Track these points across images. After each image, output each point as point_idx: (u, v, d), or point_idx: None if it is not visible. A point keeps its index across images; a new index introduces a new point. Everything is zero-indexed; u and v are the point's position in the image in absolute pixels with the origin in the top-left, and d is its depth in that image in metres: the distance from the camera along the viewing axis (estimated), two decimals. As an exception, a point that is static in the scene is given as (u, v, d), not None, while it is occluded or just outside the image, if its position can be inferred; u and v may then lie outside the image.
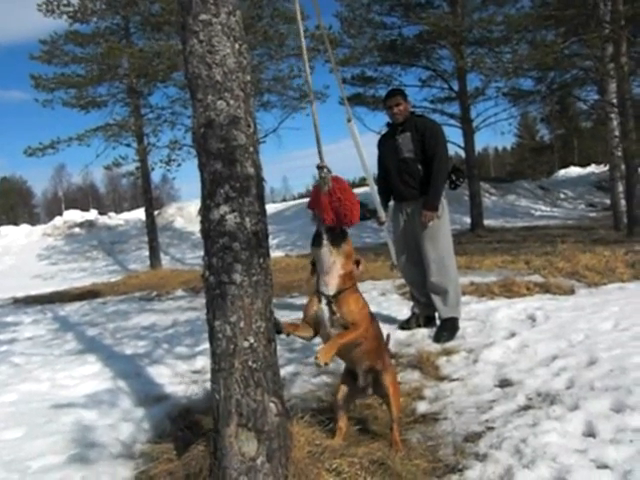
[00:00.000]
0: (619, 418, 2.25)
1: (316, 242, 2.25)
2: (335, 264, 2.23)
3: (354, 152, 3.44)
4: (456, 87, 15.46)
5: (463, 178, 4.21)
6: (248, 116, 1.96)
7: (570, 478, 1.85)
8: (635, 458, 1.91)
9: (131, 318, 6.02)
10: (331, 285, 2.23)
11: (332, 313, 2.21)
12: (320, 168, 2.26)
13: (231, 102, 1.91)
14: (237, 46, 1.96)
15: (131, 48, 11.72)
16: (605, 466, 1.92)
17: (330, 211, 2.24)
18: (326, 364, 2.05)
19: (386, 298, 5.50)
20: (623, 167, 11.00)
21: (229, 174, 1.89)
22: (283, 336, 4.51)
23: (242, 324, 1.90)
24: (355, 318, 2.21)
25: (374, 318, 2.42)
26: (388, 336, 2.80)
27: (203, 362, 3.69)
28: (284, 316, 4.98)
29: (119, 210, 34.49)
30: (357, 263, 2.31)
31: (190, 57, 1.95)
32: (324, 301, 2.23)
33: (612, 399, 2.42)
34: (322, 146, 2.34)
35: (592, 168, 28.09)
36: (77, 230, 19.42)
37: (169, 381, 3.43)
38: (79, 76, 12.20)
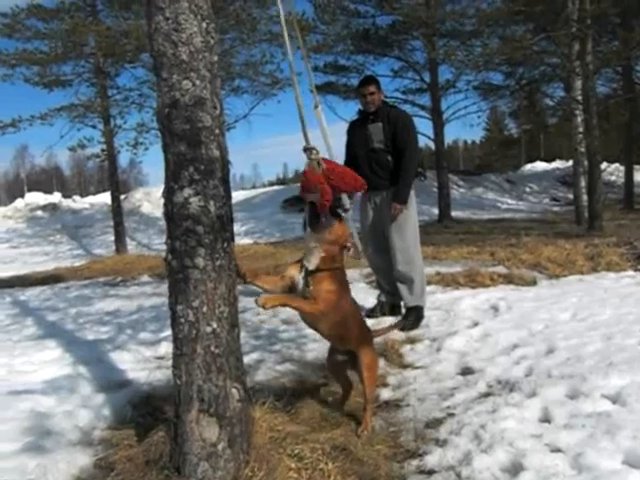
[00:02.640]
0: (573, 404, 2.32)
1: (303, 225, 2.32)
2: (316, 248, 2.25)
3: (321, 141, 3.41)
4: (427, 79, 15.57)
5: (423, 177, 4.26)
6: (214, 97, 1.91)
7: (525, 462, 1.90)
8: (586, 442, 1.98)
9: (94, 303, 5.88)
10: (312, 262, 2.26)
11: (306, 285, 2.25)
12: (309, 150, 2.22)
13: (197, 82, 1.87)
14: (204, 25, 1.91)
15: (98, 26, 11.33)
16: (558, 450, 1.98)
17: (329, 190, 2.20)
18: (263, 306, 2.08)
19: (353, 287, 5.47)
20: (586, 163, 11.29)
21: (193, 156, 1.85)
22: (249, 323, 4.49)
23: (205, 309, 1.87)
24: (318, 295, 2.24)
25: (355, 305, 2.56)
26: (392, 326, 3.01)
27: (167, 348, 3.63)
28: (251, 302, 4.98)
29: (85, 194, 33.62)
30: (346, 248, 2.32)
31: (155, 34, 1.89)
32: (303, 272, 2.27)
33: (567, 386, 2.49)
34: (306, 127, 2.31)
35: (557, 163, 28.74)
36: (40, 213, 18.83)
37: (132, 367, 3.37)
38: (42, 52, 11.73)
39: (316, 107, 3.15)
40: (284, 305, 2.24)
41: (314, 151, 2.21)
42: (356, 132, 4.22)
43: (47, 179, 55.14)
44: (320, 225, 2.23)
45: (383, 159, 4.05)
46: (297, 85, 2.47)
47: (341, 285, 2.37)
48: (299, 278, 2.26)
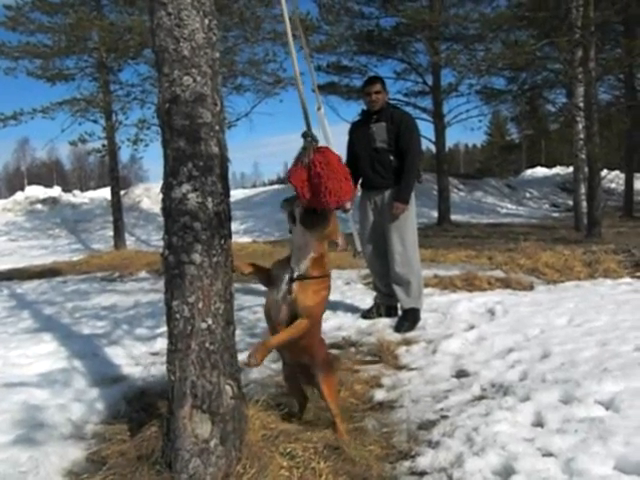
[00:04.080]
0: (566, 409, 2.32)
1: (290, 218, 2.07)
2: (307, 245, 2.06)
3: (323, 143, 3.40)
4: (430, 82, 15.59)
5: (419, 179, 4.22)
6: (215, 94, 1.92)
7: (517, 465, 1.91)
8: (578, 447, 1.98)
9: (91, 298, 5.89)
10: (301, 264, 2.08)
11: (289, 292, 2.08)
12: (305, 136, 2.02)
13: (198, 78, 1.87)
14: (207, 21, 1.91)
15: (102, 21, 11.31)
16: (550, 454, 1.98)
17: (307, 188, 1.96)
18: (253, 364, 1.97)
19: (350, 287, 5.54)
20: (586, 169, 11.30)
21: (193, 152, 1.85)
22: (245, 320, 4.48)
23: (200, 305, 1.87)
24: (305, 311, 2.07)
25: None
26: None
27: (162, 344, 3.62)
28: (248, 301, 4.99)
29: (85, 188, 33.62)
30: (335, 244, 2.15)
31: (157, 30, 1.89)
32: (288, 275, 2.10)
33: (561, 391, 2.50)
34: (309, 114, 2.11)
35: (557, 169, 28.75)
36: (39, 206, 18.82)
37: (127, 362, 3.37)
38: (45, 46, 11.72)
39: (319, 109, 3.15)
40: (275, 347, 2.08)
41: (309, 138, 2.01)
42: (358, 132, 4.22)
43: (47, 173, 55.14)
44: (314, 220, 2.02)
45: (385, 158, 4.06)
46: (297, 68, 2.29)
47: (326, 295, 2.18)
48: (283, 280, 2.10)
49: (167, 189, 1.90)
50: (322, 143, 2.94)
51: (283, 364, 2.47)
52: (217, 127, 1.93)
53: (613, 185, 21.48)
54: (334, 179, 1.94)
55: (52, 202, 19.12)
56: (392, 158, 4.05)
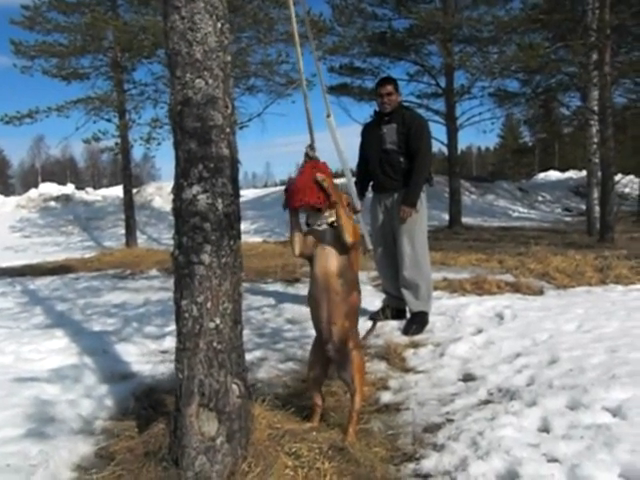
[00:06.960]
0: (573, 415, 2.31)
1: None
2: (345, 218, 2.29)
3: (332, 146, 3.40)
4: (443, 84, 15.54)
5: (430, 182, 4.20)
6: (226, 97, 1.94)
7: (521, 470, 1.91)
8: (583, 454, 1.97)
9: (102, 295, 5.95)
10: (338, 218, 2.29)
11: (332, 227, 2.29)
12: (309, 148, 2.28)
13: (210, 81, 1.89)
14: (219, 25, 1.94)
15: (117, 21, 11.45)
16: (555, 460, 1.98)
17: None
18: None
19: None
20: (599, 174, 11.21)
21: (203, 154, 1.88)
22: (254, 320, 4.51)
23: (209, 305, 1.90)
24: (352, 237, 2.28)
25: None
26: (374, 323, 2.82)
27: (171, 342, 3.66)
28: (256, 301, 5.01)
29: (98, 186, 33.92)
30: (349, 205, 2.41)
31: (171, 33, 1.92)
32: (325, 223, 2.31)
33: (568, 397, 2.49)
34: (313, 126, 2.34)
35: (571, 173, 28.52)
36: (53, 204, 19.05)
37: (136, 359, 3.41)
38: (61, 45, 11.89)
39: (328, 116, 3.13)
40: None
41: (307, 149, 2.28)
42: (370, 133, 4.22)
43: (61, 170, 55.72)
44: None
45: (395, 160, 4.05)
46: (306, 89, 2.46)
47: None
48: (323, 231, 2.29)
49: (178, 190, 1.93)
50: (332, 151, 2.98)
51: (313, 350, 2.47)
52: (228, 129, 1.95)
53: (627, 190, 21.29)
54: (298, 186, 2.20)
55: (65, 199, 19.34)
56: (402, 160, 4.04)
